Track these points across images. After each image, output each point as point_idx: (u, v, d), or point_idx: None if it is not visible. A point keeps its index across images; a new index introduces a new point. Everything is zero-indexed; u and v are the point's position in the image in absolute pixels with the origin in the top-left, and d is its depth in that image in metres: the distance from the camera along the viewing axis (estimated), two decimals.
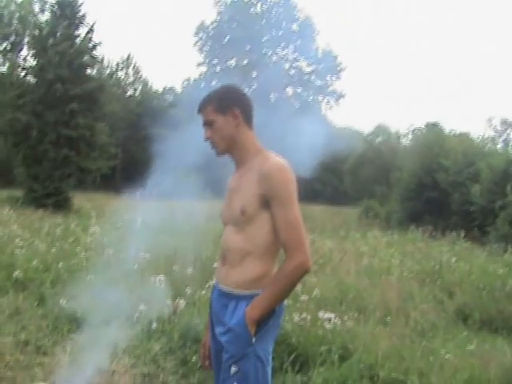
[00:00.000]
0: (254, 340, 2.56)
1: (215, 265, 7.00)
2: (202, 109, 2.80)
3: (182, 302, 6.36)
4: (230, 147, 2.76)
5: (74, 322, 5.93)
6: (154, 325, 5.84)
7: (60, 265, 8.01)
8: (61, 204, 24.20)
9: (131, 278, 7.48)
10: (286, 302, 2.82)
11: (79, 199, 26.96)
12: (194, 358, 4.97)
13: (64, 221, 15.07)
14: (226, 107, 2.72)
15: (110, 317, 6.08)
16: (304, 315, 5.61)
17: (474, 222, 24.11)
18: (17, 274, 7.43)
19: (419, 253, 13.39)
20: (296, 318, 5.57)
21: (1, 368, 4.69)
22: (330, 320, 5.54)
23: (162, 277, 7.06)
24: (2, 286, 7.28)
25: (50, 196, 24.39)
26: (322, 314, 5.63)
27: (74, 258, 8.64)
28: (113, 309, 6.34)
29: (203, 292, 6.68)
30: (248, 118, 2.77)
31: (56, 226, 13.39)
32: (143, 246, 10.03)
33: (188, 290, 6.88)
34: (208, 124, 2.76)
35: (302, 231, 2.55)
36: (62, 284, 7.19)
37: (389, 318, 6.82)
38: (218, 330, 2.75)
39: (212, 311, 2.87)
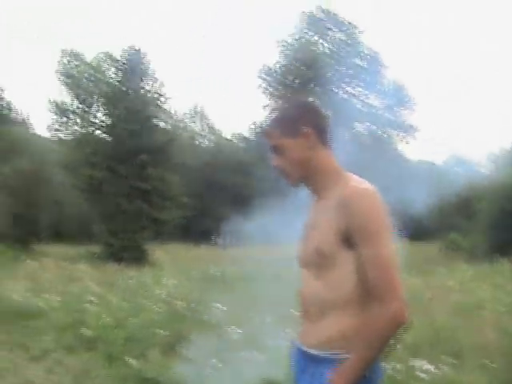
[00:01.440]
0: None
1: (292, 310, 6.51)
2: (267, 133, 2.27)
3: (259, 355, 5.85)
4: (305, 175, 2.20)
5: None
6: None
7: (131, 320, 7.64)
8: (137, 257, 24.30)
9: (204, 332, 7.08)
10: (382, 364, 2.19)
11: (156, 251, 27.02)
12: None
13: (139, 274, 14.89)
14: (295, 128, 2.17)
15: (180, 376, 5.67)
16: (394, 364, 5.00)
17: None
18: (84, 331, 7.13)
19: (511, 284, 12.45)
20: (386, 368, 4.96)
21: None
22: (424, 368, 4.91)
23: (236, 328, 6.63)
24: (72, 344, 7.00)
25: (126, 249, 24.59)
26: (414, 362, 5.00)
27: (145, 312, 8.27)
28: (183, 367, 5.94)
29: (281, 342, 6.13)
30: (323, 136, 2.20)
31: (130, 279, 13.23)
32: (219, 297, 9.68)
33: (265, 341, 6.34)
34: (275, 150, 2.23)
35: (394, 273, 1.95)
36: (132, 341, 6.81)
37: (489, 361, 6.09)
38: None
39: (293, 374, 2.29)
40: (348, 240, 1.99)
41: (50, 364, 6.39)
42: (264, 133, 2.30)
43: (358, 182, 2.07)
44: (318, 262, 2.07)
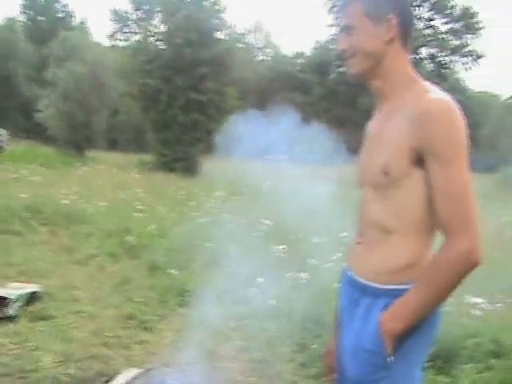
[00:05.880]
0: (391, 359, 1.72)
1: (344, 234, 6.27)
2: (343, 7, 1.87)
3: (304, 276, 5.63)
4: (372, 70, 1.83)
5: (184, 295, 5.38)
6: (272, 302, 5.13)
7: (176, 230, 7.52)
8: (190, 168, 24.27)
9: (250, 248, 6.92)
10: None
11: (209, 164, 26.98)
12: (314, 345, 4.25)
13: (189, 185, 14.82)
14: (380, 12, 1.79)
15: (223, 291, 5.52)
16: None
17: None
18: (129, 239, 7.05)
19: None
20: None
21: (97, 345, 4.19)
22: (477, 306, 4.60)
23: (283, 246, 6.42)
24: (116, 251, 6.94)
25: (179, 160, 24.57)
26: (469, 299, 4.68)
27: (191, 223, 8.14)
28: (226, 282, 5.79)
29: (330, 264, 5.90)
30: (406, 35, 1.83)
31: (180, 189, 13.16)
32: (266, 213, 9.47)
33: (312, 262, 6.11)
34: (347, 30, 1.84)
35: (470, 205, 1.63)
36: (176, 252, 6.70)
37: None
38: (344, 334, 1.94)
39: (340, 305, 2.04)
40: (420, 161, 1.68)
41: (93, 269, 6.35)
42: (341, 5, 1.90)
43: (437, 93, 1.70)
44: (382, 181, 1.75)
